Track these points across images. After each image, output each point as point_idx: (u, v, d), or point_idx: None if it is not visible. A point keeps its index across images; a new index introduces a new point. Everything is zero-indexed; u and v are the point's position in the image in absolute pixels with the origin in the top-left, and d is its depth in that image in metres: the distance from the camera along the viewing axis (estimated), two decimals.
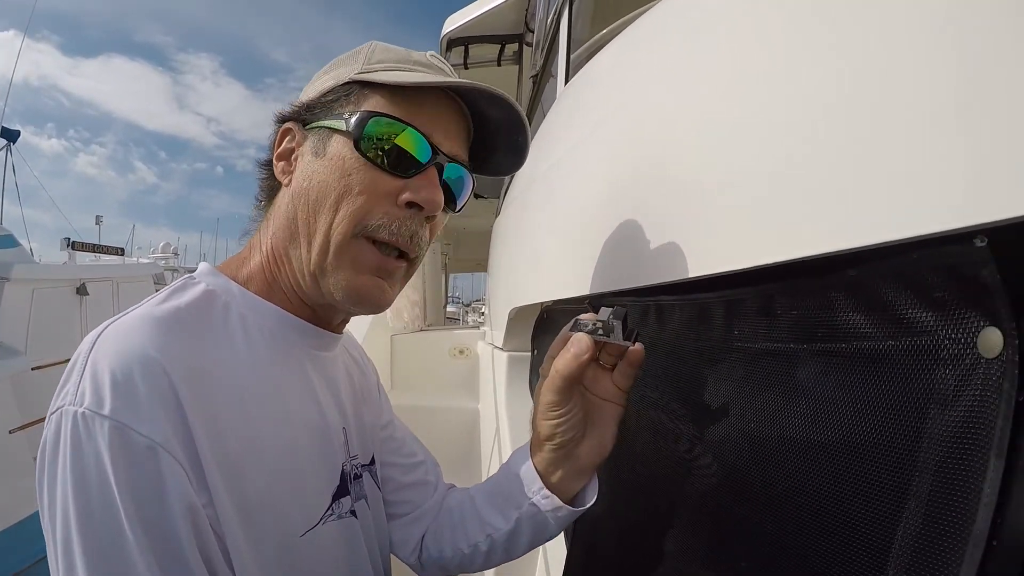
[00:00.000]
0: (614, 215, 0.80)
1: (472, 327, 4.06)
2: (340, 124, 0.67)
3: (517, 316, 1.68)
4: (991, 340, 0.27)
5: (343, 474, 0.76)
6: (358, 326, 2.48)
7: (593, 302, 0.92)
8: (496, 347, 2.08)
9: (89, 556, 0.53)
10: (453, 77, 0.71)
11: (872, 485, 0.34)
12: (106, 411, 0.53)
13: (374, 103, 0.67)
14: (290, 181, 0.70)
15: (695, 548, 0.60)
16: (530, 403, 1.62)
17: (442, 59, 0.74)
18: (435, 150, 0.68)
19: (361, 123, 0.66)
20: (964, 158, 0.28)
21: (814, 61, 0.41)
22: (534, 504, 0.76)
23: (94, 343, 0.56)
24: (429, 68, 0.71)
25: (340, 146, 0.67)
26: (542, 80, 2.48)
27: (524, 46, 3.63)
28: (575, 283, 0.94)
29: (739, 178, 0.49)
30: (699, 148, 0.59)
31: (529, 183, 1.69)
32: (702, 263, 0.53)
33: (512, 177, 2.54)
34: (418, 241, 0.69)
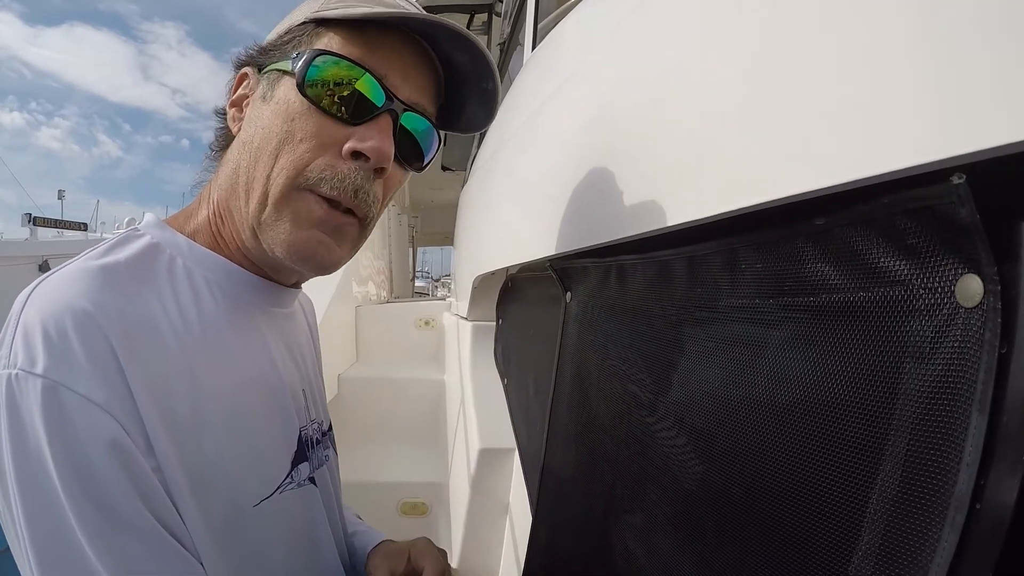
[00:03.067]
0: (575, 176, 0.79)
1: (439, 299, 4.04)
2: (287, 65, 0.61)
3: (481, 285, 1.67)
4: (970, 288, 0.26)
5: (302, 439, 0.73)
6: (320, 296, 2.43)
7: (555, 264, 0.92)
8: (461, 317, 2.06)
9: (31, 525, 0.50)
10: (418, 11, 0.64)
11: (845, 447, 0.33)
12: (39, 370, 0.49)
13: (326, 42, 0.61)
14: (239, 129, 0.65)
15: (661, 515, 0.58)
16: (494, 372, 1.63)
17: (413, 2, 0.67)
18: (389, 95, 0.62)
19: (307, 63, 0.60)
20: (934, 84, 0.26)
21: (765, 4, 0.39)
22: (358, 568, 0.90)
23: (26, 300, 0.52)
24: (394, 7, 0.63)
25: (286, 89, 0.61)
26: (509, 48, 2.46)
27: (493, 16, 3.58)
28: (539, 246, 0.92)
29: (697, 129, 0.48)
30: (658, 103, 0.57)
31: (494, 150, 1.66)
32: (663, 217, 0.52)
33: (479, 146, 2.52)
34: (365, 197, 0.63)
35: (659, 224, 0.52)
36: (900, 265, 0.30)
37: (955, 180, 0.25)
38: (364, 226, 0.67)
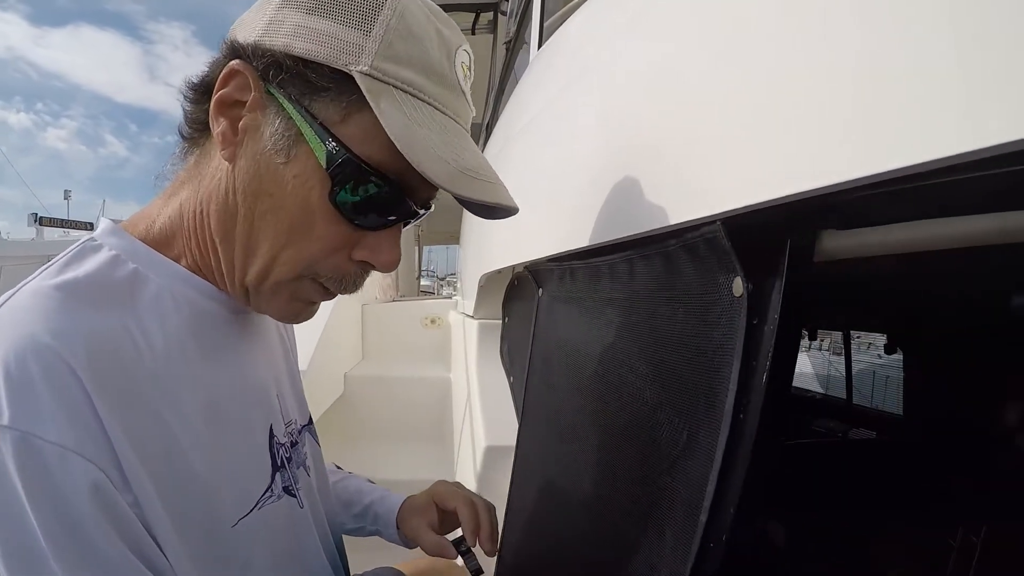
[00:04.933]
0: (581, 174, 0.85)
1: (444, 298, 4.06)
2: (317, 144, 0.56)
3: (488, 283, 1.71)
4: (738, 285, 0.44)
5: (277, 450, 0.72)
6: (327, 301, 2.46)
7: (529, 266, 1.10)
8: (467, 315, 2.08)
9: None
10: (470, 106, 0.64)
11: (685, 382, 0.52)
12: (5, 421, 0.47)
13: (367, 132, 0.56)
14: (232, 157, 0.59)
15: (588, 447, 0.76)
16: (501, 371, 1.64)
17: (468, 69, 0.64)
18: (411, 206, 0.61)
19: (346, 171, 0.56)
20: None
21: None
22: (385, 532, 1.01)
23: None
24: (452, 91, 0.60)
25: (309, 170, 0.57)
26: (515, 47, 2.50)
27: (499, 15, 3.61)
28: (544, 244, 0.96)
29: (699, 132, 0.54)
30: (661, 105, 0.62)
31: (500, 148, 1.70)
32: (662, 218, 0.59)
33: (484, 144, 2.54)
34: (362, 284, 0.67)
35: (658, 224, 0.63)
36: (706, 271, 0.49)
37: (716, 225, 0.46)
38: None
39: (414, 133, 0.54)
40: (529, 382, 1.08)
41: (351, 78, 0.54)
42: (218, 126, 0.58)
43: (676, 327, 0.54)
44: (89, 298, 0.55)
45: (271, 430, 0.72)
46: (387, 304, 3.41)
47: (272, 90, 0.57)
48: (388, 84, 0.55)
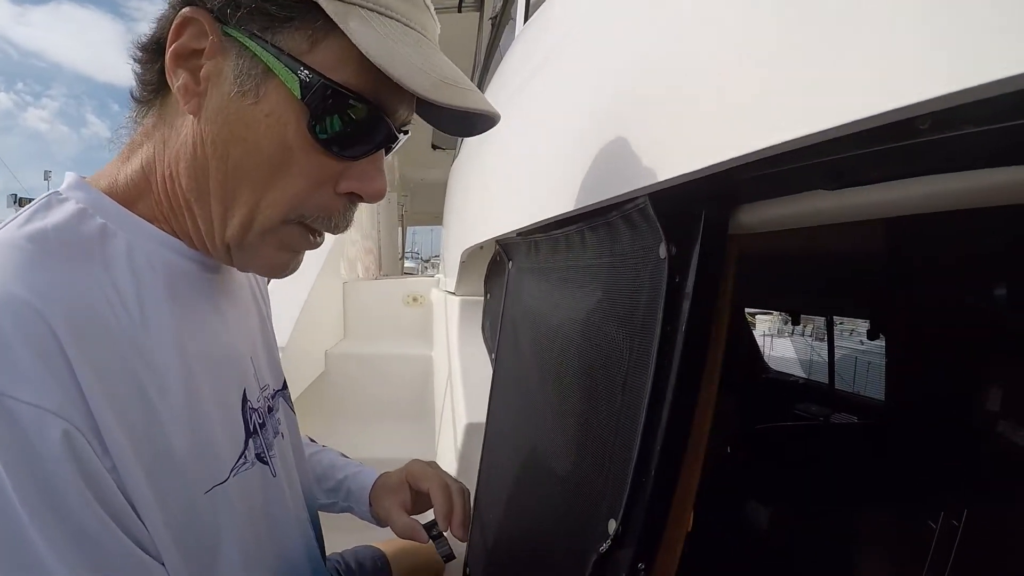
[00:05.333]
0: (562, 144, 0.89)
1: (427, 276, 4.11)
2: (288, 76, 0.55)
3: (469, 260, 1.76)
4: (663, 249, 0.52)
5: (252, 414, 0.72)
6: (306, 273, 2.50)
7: (500, 240, 1.19)
8: (449, 293, 2.13)
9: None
10: (436, 47, 0.61)
11: (614, 347, 0.61)
12: None
13: (338, 56, 0.55)
14: (196, 110, 0.57)
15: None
16: (482, 347, 1.71)
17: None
18: (391, 127, 0.60)
19: (323, 98, 0.55)
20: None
21: None
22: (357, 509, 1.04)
23: None
24: (416, 5, 0.59)
25: (283, 105, 0.56)
26: (501, 22, 2.54)
27: None
28: (519, 217, 1.01)
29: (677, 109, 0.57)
30: (641, 79, 0.64)
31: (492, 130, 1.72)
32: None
33: None
34: (351, 222, 0.65)
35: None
36: (639, 238, 0.58)
37: (644, 198, 0.55)
38: None
39: (390, 48, 0.53)
40: (499, 354, 1.15)
41: (314, 4, 0.53)
42: (177, 80, 0.56)
43: (617, 288, 0.62)
44: (61, 252, 0.53)
45: (244, 394, 0.71)
46: (369, 282, 3.47)
47: (231, 31, 0.55)
48: (353, 4, 0.54)
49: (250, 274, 0.84)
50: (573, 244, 0.79)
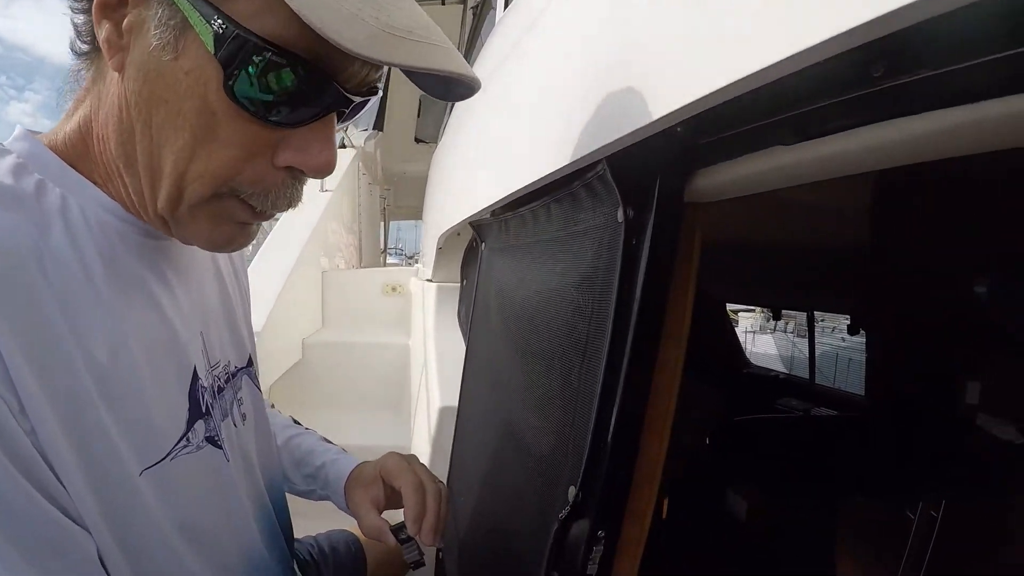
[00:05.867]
0: (528, 119, 0.93)
1: (407, 266, 4.11)
2: (203, 26, 0.48)
3: (446, 246, 1.77)
4: (621, 213, 0.53)
5: (202, 393, 0.68)
6: (283, 262, 2.50)
7: (473, 222, 1.22)
8: (427, 280, 2.14)
9: None
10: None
11: (579, 314, 0.62)
12: None
13: (263, 2, 0.47)
14: (120, 66, 0.52)
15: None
16: (458, 332, 1.71)
17: None
18: (338, 89, 0.52)
19: (238, 53, 0.47)
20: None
21: None
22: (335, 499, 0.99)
23: None
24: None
25: (202, 61, 0.49)
26: (482, 11, 2.54)
27: None
28: (487, 196, 1.04)
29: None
30: (613, 62, 0.66)
31: (460, 111, 1.74)
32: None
33: (450, 114, 2.59)
34: (297, 199, 0.58)
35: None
36: (600, 204, 0.59)
37: (602, 166, 0.56)
38: None
39: None
40: (472, 335, 1.16)
41: None
42: (102, 32, 0.51)
43: (580, 257, 0.64)
44: None
45: (194, 371, 0.67)
46: (347, 271, 3.46)
47: None
48: None
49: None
50: (540, 218, 0.80)
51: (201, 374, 0.68)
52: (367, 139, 5.59)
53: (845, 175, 0.44)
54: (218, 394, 0.72)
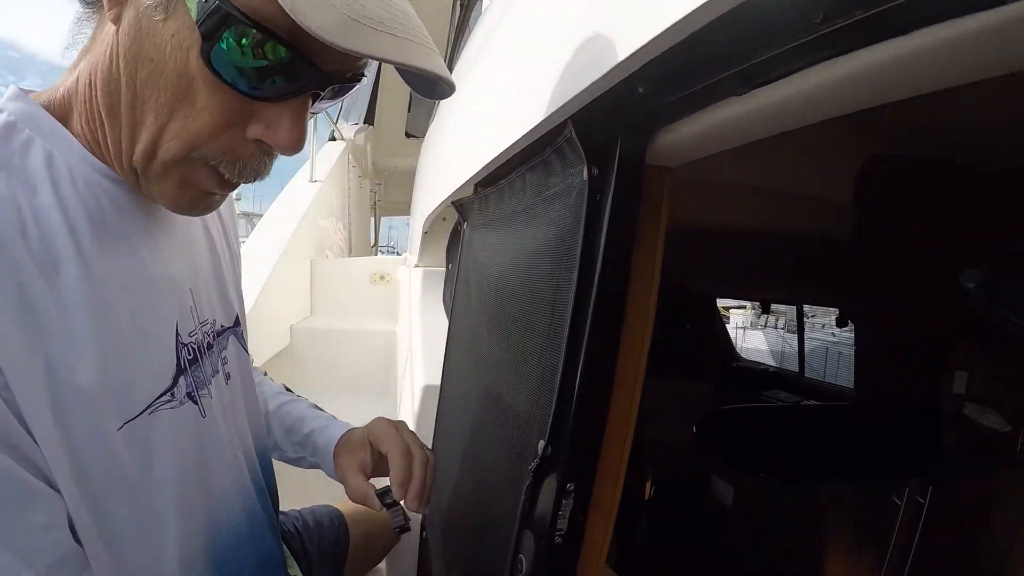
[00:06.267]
0: (500, 92, 0.94)
1: (395, 256, 4.13)
2: None
3: (432, 231, 1.79)
4: (585, 171, 0.56)
5: (183, 349, 0.69)
6: (271, 250, 2.51)
7: (455, 201, 1.25)
8: (414, 266, 2.16)
9: None
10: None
11: (551, 275, 0.65)
12: None
13: None
14: (117, 18, 0.54)
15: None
16: (443, 315, 1.73)
17: None
18: (315, 70, 0.53)
19: (218, 22, 0.49)
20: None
21: None
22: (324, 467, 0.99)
23: None
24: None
25: (187, 27, 0.51)
26: (469, 4, 2.55)
27: None
28: (474, 163, 1.06)
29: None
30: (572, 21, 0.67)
31: (448, 103, 1.76)
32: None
33: (437, 108, 2.60)
34: (265, 172, 0.60)
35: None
36: (569, 166, 0.62)
37: (568, 128, 0.59)
38: None
39: None
40: (454, 312, 1.18)
41: None
42: None
43: (550, 219, 0.66)
44: None
45: (176, 328, 0.68)
46: (336, 260, 3.48)
47: None
48: None
49: None
50: (516, 189, 0.83)
51: (185, 331, 0.70)
52: (357, 132, 5.60)
53: (798, 125, 0.47)
54: (205, 351, 0.74)
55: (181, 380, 0.67)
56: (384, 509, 0.89)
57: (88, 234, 0.58)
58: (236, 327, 0.86)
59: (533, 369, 0.67)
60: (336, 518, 1.23)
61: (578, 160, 0.58)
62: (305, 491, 1.28)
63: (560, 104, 0.59)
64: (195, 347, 0.72)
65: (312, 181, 3.59)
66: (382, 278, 3.16)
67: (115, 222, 0.61)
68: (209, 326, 0.76)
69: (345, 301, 3.20)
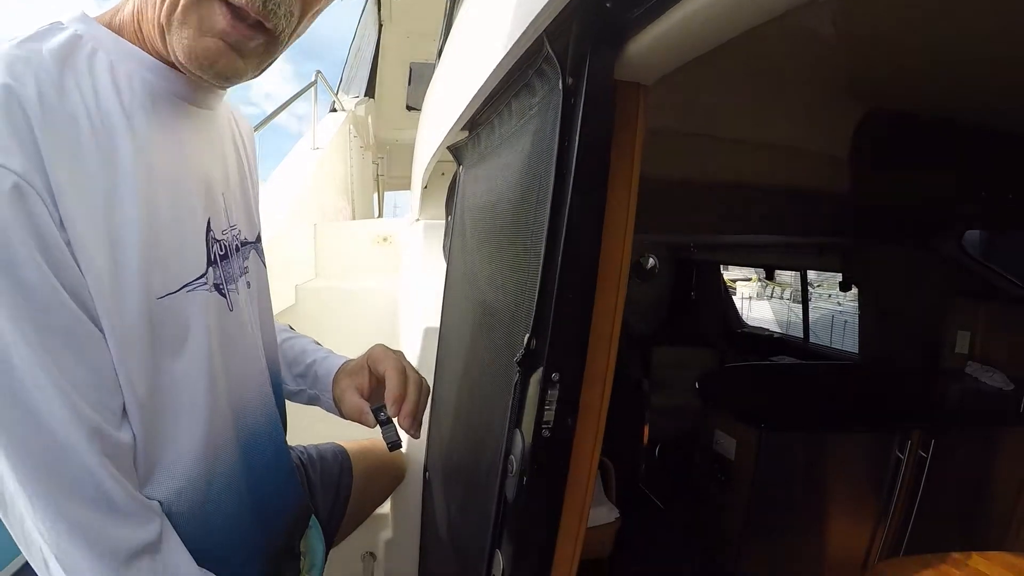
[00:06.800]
0: (479, 30, 1.00)
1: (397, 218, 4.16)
2: None
3: (431, 185, 1.81)
4: (561, 82, 0.60)
5: (215, 244, 0.76)
6: (274, 214, 2.54)
7: (450, 146, 1.28)
8: (415, 220, 2.19)
9: None
10: None
11: (534, 187, 0.68)
12: None
13: None
14: None
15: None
16: (442, 263, 1.76)
17: None
18: None
19: None
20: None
21: None
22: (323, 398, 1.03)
23: None
24: None
25: None
26: None
27: None
28: (462, 101, 1.08)
29: None
30: None
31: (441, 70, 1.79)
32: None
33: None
34: (275, 8, 0.65)
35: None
36: (547, 82, 0.66)
37: (545, 46, 0.63)
38: (274, 41, 0.69)
39: None
40: (451, 251, 1.22)
41: None
42: None
43: (533, 131, 0.71)
44: (48, 65, 0.59)
45: (209, 223, 0.75)
46: (339, 223, 3.51)
47: None
48: None
49: (234, 127, 0.90)
50: (504, 118, 0.87)
51: (217, 228, 0.77)
52: (358, 104, 5.61)
53: (760, 20, 0.50)
54: (231, 252, 0.80)
55: (211, 271, 0.74)
56: (378, 426, 0.93)
57: (143, 124, 0.66)
58: (257, 243, 0.91)
59: (520, 273, 0.72)
60: (340, 454, 1.28)
61: (555, 74, 0.62)
62: (311, 431, 1.33)
63: (532, 17, 0.63)
64: (225, 245, 0.78)
65: (314, 148, 3.62)
66: (385, 239, 3.20)
67: (165, 119, 0.70)
68: (237, 232, 0.82)
69: (349, 263, 3.25)
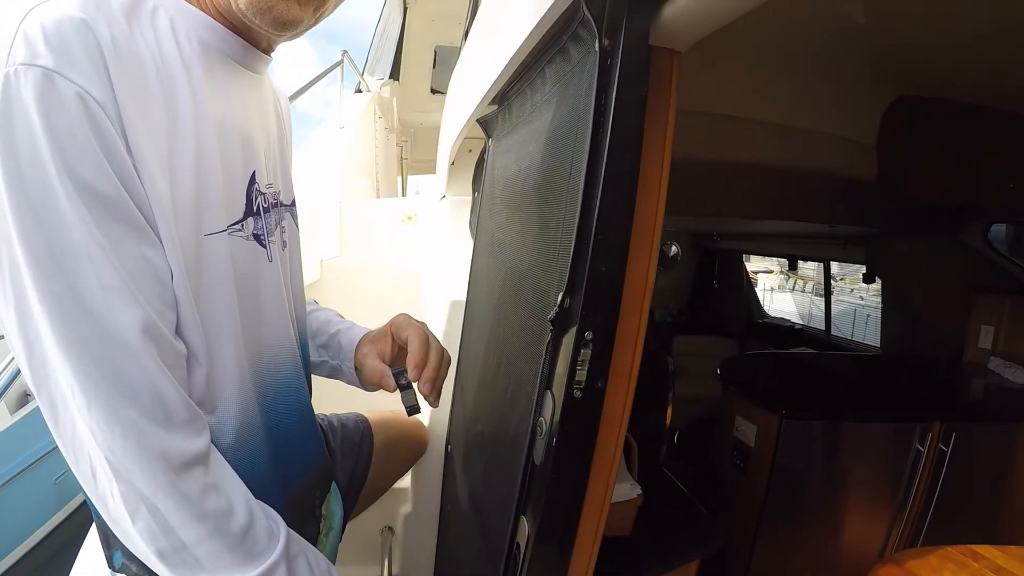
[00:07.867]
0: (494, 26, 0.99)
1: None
2: None
3: (458, 161, 1.81)
4: (597, 44, 0.62)
5: (257, 196, 0.80)
6: (300, 189, 2.56)
7: (480, 119, 1.28)
8: (441, 197, 2.21)
9: (21, 217, 0.56)
10: None
11: (567, 134, 0.68)
12: (39, 61, 0.56)
13: None
14: None
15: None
16: (469, 239, 1.78)
17: None
18: None
19: None
20: None
21: None
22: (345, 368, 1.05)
23: (25, 16, 0.59)
24: None
25: None
26: None
27: None
28: (493, 71, 1.08)
29: None
30: None
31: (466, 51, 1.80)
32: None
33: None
34: None
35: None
36: (583, 45, 0.69)
37: (583, 5, 0.66)
38: None
39: None
40: (479, 224, 1.23)
41: None
42: None
43: (569, 95, 0.73)
44: (118, 13, 0.64)
45: (253, 176, 0.79)
46: (364, 201, 3.53)
47: None
48: None
49: (276, 95, 0.93)
50: (536, 85, 0.89)
51: (259, 181, 0.80)
52: (383, 86, 5.62)
53: None
54: (271, 207, 0.83)
55: (250, 220, 0.78)
56: (398, 390, 0.94)
57: (198, 78, 0.70)
58: (293, 207, 0.94)
59: (553, 234, 0.73)
60: (361, 422, 1.30)
61: (591, 36, 0.64)
62: (335, 400, 1.36)
63: None
64: (267, 197, 0.82)
65: (340, 128, 3.64)
66: (409, 218, 3.21)
67: (217, 76, 0.74)
68: (276, 192, 0.86)
69: (373, 241, 3.27)
